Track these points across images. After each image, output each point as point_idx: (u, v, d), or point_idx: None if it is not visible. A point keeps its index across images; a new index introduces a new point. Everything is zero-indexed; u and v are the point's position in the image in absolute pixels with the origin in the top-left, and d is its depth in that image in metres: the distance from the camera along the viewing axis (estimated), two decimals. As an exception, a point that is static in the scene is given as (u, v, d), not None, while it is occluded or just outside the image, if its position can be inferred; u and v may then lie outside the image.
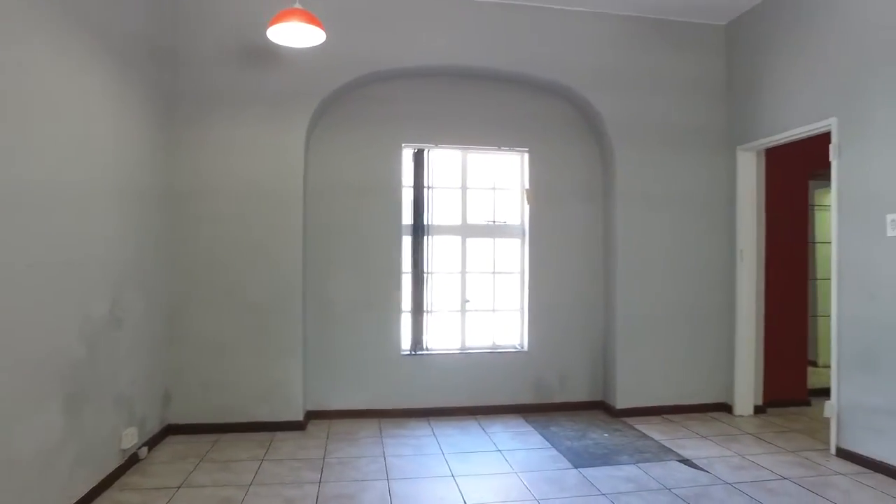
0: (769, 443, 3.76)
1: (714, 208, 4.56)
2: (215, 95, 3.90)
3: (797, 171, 4.71)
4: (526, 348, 4.57)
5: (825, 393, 4.90)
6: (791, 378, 4.67)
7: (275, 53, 3.92)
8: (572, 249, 4.62)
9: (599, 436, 3.91)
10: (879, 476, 3.16)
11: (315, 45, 3.28)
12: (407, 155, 4.47)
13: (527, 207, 4.60)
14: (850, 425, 3.42)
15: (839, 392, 3.50)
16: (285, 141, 3.98)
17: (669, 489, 2.99)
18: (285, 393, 3.96)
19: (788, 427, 4.12)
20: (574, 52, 4.34)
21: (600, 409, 4.58)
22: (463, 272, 4.58)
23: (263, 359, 3.93)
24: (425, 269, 4.44)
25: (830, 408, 3.55)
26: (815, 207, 5.56)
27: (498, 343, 4.64)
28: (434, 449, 3.64)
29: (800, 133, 3.85)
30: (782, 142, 4.07)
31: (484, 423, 4.20)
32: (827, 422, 4.12)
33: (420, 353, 4.43)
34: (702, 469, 3.28)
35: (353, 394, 4.29)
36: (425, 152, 4.47)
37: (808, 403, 4.68)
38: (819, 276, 5.64)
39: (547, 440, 3.81)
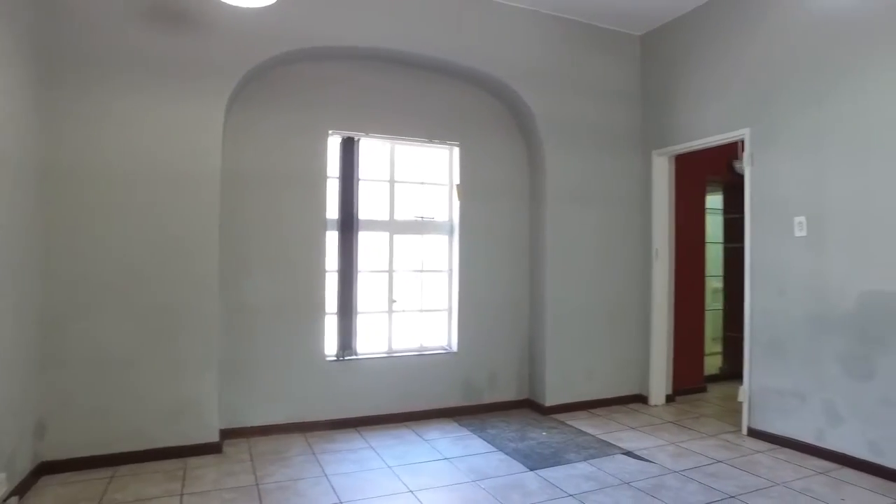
0: (690, 429, 4.03)
1: (634, 209, 4.81)
2: (118, 57, 3.21)
3: (698, 176, 5.14)
4: (455, 349, 4.43)
5: (713, 379, 5.46)
6: (692, 367, 5.09)
7: (195, 14, 3.34)
8: (501, 247, 4.58)
9: (539, 435, 3.89)
10: (788, 451, 3.51)
11: (256, 4, 2.82)
12: (334, 143, 4.09)
13: (456, 203, 4.46)
14: (761, 407, 3.77)
15: (751, 378, 3.85)
16: (201, 118, 3.40)
17: (629, 483, 3.04)
18: (198, 410, 3.39)
19: (699, 412, 4.46)
20: (510, 47, 4.30)
21: (527, 407, 4.59)
22: (390, 271, 4.31)
23: (170, 372, 3.32)
24: (354, 267, 4.10)
25: (743, 392, 3.89)
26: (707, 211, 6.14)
27: (426, 345, 4.44)
28: (377, 462, 3.35)
29: (716, 140, 4.19)
30: (697, 148, 4.40)
31: (418, 430, 3.98)
32: (728, 405, 4.56)
33: (347, 358, 4.08)
34: (647, 460, 3.40)
35: (274, 406, 3.82)
36: (355, 141, 4.12)
37: (704, 390, 5.14)
38: (707, 273, 6.23)
39: (489, 443, 3.70)
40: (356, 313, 4.12)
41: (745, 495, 2.87)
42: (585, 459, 3.40)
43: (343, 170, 4.08)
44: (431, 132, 4.35)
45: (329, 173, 4.04)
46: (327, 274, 3.97)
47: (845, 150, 3.31)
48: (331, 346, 4.05)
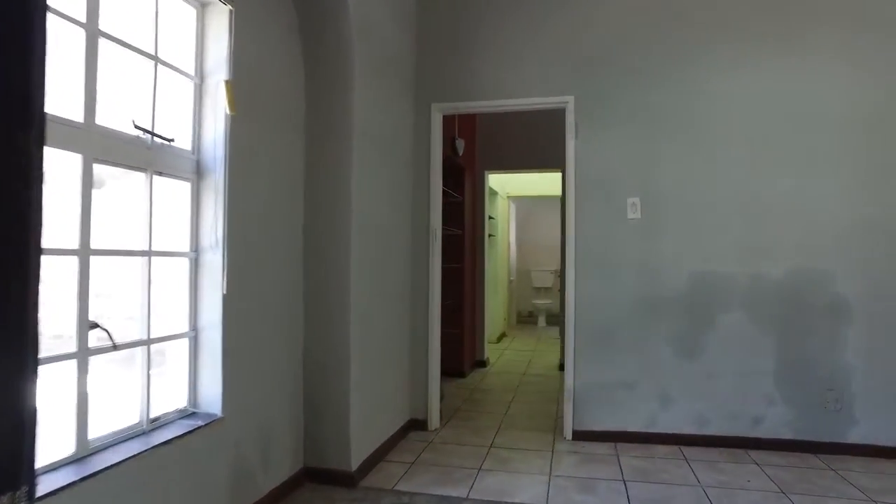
0: (525, 449, 3.30)
1: (409, 175, 3.66)
2: None
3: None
4: (218, 409, 2.19)
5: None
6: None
7: None
8: (278, 211, 2.60)
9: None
10: (624, 444, 3.32)
11: None
12: None
13: (223, 117, 2.23)
14: (587, 404, 3.44)
15: (575, 373, 3.47)
16: None
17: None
18: None
19: (483, 425, 3.77)
20: None
21: (316, 480, 2.77)
22: (84, 254, 1.72)
23: None
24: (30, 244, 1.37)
25: (569, 392, 3.47)
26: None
27: (160, 411, 2.02)
28: None
29: (528, 104, 3.60)
30: (497, 109, 3.71)
31: None
32: (528, 408, 4.06)
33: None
34: (588, 509, 2.49)
35: None
36: None
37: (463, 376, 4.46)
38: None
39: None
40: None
41: None
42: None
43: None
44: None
45: None
46: None
47: (677, 135, 3.37)
48: None
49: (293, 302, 2.71)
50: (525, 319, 9.79)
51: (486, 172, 5.95)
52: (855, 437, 3.12)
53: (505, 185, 7.84)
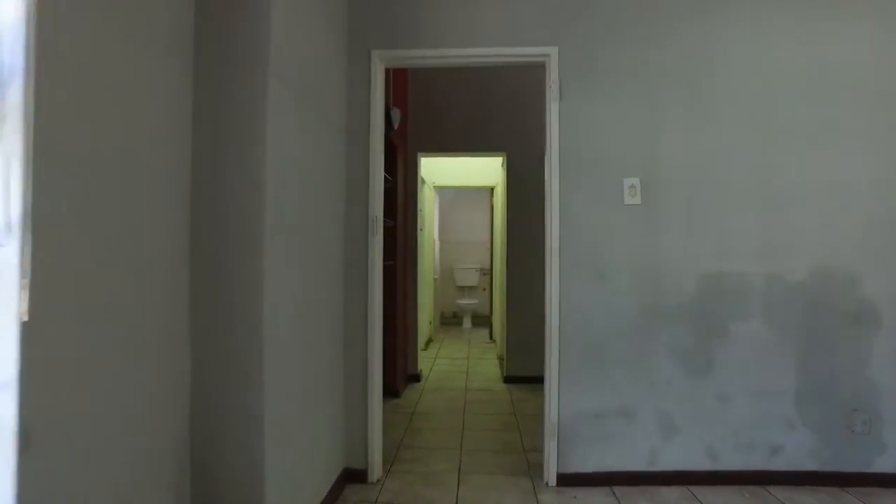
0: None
1: (341, 146, 2.73)
2: None
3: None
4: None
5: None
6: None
7: None
8: (138, 178, 1.58)
9: None
10: (623, 488, 2.63)
11: None
12: None
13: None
14: (575, 440, 2.71)
15: (559, 403, 2.72)
16: None
17: None
18: None
19: (438, 469, 2.92)
20: None
21: None
22: None
23: None
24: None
25: (552, 426, 2.71)
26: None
27: None
28: None
29: (512, 56, 2.80)
30: (476, 61, 2.88)
31: None
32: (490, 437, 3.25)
33: None
34: None
35: None
36: None
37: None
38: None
39: None
40: None
41: None
42: None
43: None
44: None
45: None
46: None
47: (683, 104, 2.73)
48: None
49: (171, 335, 1.70)
50: (449, 321, 9.05)
51: (418, 154, 5.09)
52: (885, 465, 2.65)
53: (430, 174, 7.02)
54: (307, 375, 2.22)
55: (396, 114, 4.02)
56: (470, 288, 9.05)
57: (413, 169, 5.07)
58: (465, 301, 8.53)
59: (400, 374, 4.60)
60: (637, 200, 2.70)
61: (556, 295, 2.72)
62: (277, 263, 1.87)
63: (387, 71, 2.94)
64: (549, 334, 2.73)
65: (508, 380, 4.92)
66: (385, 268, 4.38)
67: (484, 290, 8.97)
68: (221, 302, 1.78)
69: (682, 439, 2.69)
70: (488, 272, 8.62)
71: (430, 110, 4.99)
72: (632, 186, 2.71)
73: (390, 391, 4.42)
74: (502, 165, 5.95)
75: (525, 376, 4.87)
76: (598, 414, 2.71)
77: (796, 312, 2.66)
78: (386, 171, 4.34)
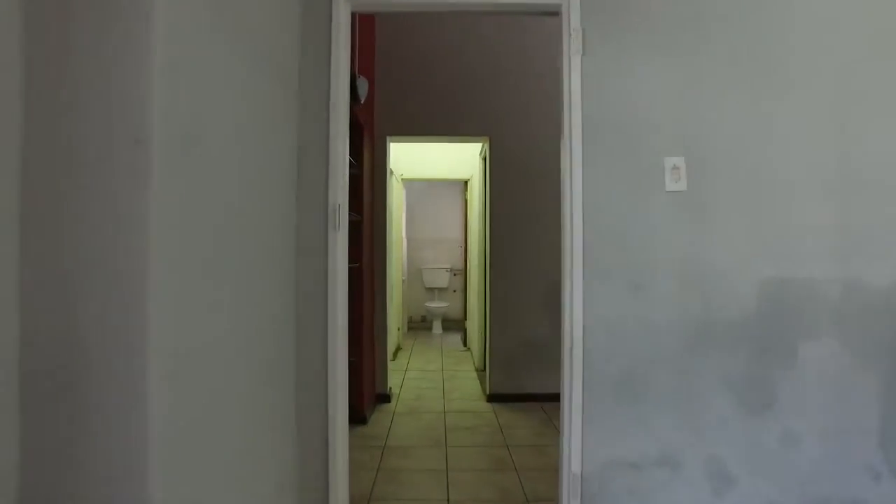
0: None
1: (291, 115, 2.00)
2: None
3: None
4: None
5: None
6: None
7: None
8: None
9: None
10: (665, 564, 2.02)
11: None
12: None
13: None
14: (604, 497, 2.08)
15: (583, 448, 2.08)
16: None
17: None
18: None
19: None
20: None
21: None
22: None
23: None
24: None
25: (573, 480, 2.07)
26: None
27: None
28: None
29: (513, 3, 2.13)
30: (473, 6, 2.19)
31: None
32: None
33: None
34: None
35: None
36: None
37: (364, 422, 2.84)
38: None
39: None
40: None
41: None
42: None
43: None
44: None
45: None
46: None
47: (746, 65, 2.12)
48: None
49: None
50: (418, 326, 8.35)
51: (388, 139, 4.38)
52: None
53: (398, 164, 6.29)
54: (242, 430, 1.50)
55: (364, 83, 3.31)
56: (440, 290, 8.37)
57: (382, 155, 4.36)
58: (435, 304, 7.85)
59: (367, 396, 3.89)
60: (682, 186, 2.09)
61: (578, 309, 2.08)
62: (181, 273, 1.15)
63: (352, 26, 2.23)
64: (568, 360, 2.08)
65: (493, 398, 4.28)
66: (350, 270, 3.69)
67: (455, 291, 8.31)
68: (74, 345, 1.04)
69: (739, 493, 2.09)
70: (460, 273, 7.97)
71: (401, 88, 4.30)
72: (675, 168, 2.09)
73: (356, 417, 3.72)
74: (480, 154, 5.31)
75: (511, 394, 4.26)
76: (634, 464, 2.08)
77: (882, 329, 2.10)
78: (350, 155, 3.63)
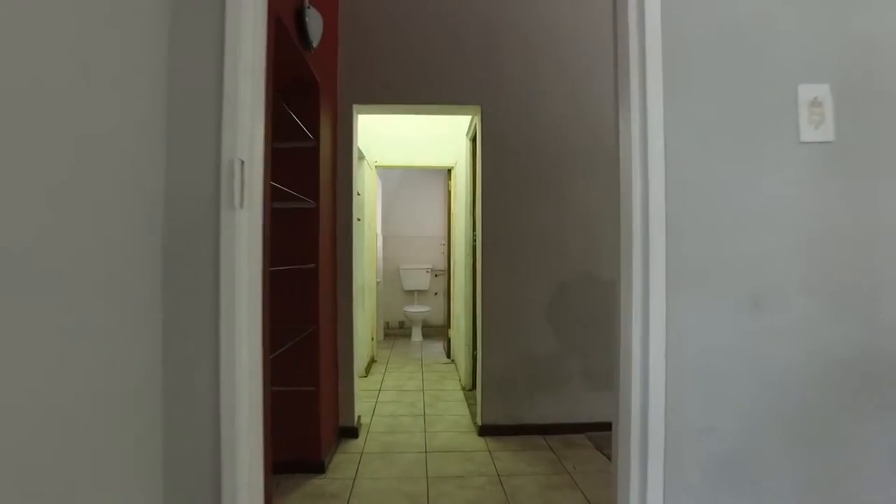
0: None
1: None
2: None
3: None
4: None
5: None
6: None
7: None
8: None
9: None
10: None
11: None
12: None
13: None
14: None
15: (667, 579, 1.23)
16: None
17: None
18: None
19: None
20: None
21: None
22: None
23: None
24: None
25: None
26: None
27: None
28: None
29: None
30: None
31: None
32: None
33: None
34: None
35: None
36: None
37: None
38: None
39: None
40: None
41: None
42: None
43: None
44: None
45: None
46: None
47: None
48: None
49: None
50: (395, 332, 7.46)
51: (354, 107, 3.48)
52: None
53: (371, 150, 5.37)
54: None
55: (316, 18, 2.41)
56: (420, 292, 7.48)
57: (347, 128, 3.46)
58: (415, 309, 6.96)
59: (327, 434, 3.00)
60: (826, 133, 1.25)
61: (656, 343, 1.22)
62: None
63: None
64: (637, 436, 1.23)
65: (486, 430, 3.42)
66: (303, 272, 2.79)
67: (436, 294, 7.45)
68: None
69: None
70: (443, 273, 7.11)
71: (372, 41, 3.41)
72: (815, 102, 1.25)
73: (311, 465, 2.84)
74: (468, 134, 4.45)
75: (508, 426, 3.42)
76: None
77: None
78: (302, 120, 2.74)
